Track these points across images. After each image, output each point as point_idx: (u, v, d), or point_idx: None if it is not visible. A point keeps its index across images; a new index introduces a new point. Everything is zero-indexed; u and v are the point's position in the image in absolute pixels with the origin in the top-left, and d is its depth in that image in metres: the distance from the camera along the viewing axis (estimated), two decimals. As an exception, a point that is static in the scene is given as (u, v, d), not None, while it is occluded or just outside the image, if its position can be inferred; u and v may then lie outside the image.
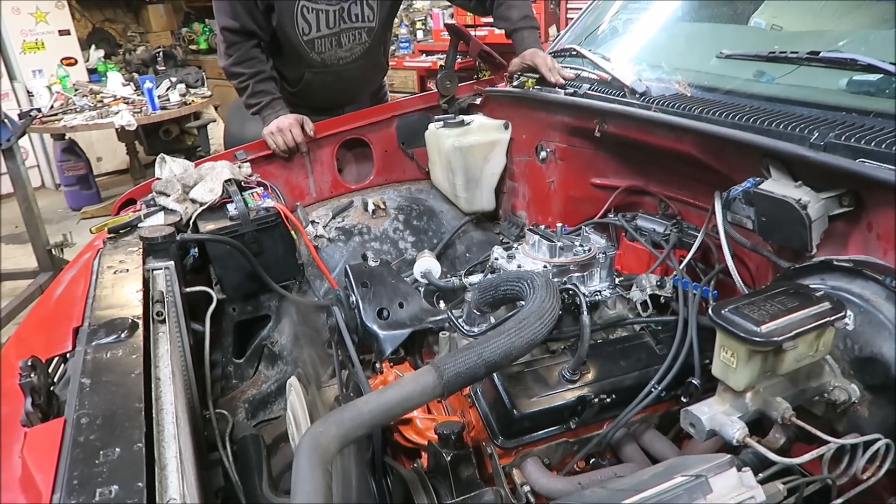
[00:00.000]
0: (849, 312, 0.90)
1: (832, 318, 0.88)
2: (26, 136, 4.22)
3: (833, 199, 1.09)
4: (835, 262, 1.06)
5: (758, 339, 0.84)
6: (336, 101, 2.17)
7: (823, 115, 1.19)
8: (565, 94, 1.80)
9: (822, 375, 0.97)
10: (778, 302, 0.90)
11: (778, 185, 1.14)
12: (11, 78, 6.33)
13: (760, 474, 0.88)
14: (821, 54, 1.26)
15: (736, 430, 0.87)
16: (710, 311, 0.91)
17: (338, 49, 2.32)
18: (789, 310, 0.88)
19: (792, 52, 1.32)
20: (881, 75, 1.19)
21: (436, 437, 1.13)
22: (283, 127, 2.08)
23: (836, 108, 1.19)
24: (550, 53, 2.15)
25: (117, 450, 0.79)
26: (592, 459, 1.24)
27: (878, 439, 0.87)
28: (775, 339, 0.84)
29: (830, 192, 1.09)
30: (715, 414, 0.91)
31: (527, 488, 1.13)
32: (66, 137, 5.80)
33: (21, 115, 3.88)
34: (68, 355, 1.09)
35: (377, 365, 1.49)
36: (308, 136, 2.13)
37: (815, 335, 0.88)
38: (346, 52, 2.35)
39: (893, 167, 0.98)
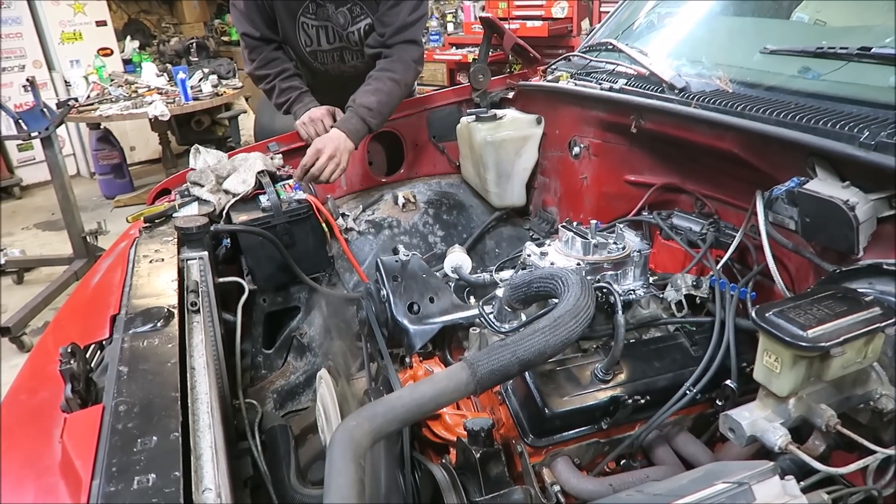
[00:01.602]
0: (899, 319, 0.87)
1: (882, 324, 0.85)
2: (63, 124, 4.30)
3: (882, 200, 1.06)
4: (884, 266, 1.02)
5: (804, 344, 0.82)
6: (344, 104, 2.19)
7: (874, 113, 1.15)
8: (601, 88, 1.77)
9: (869, 383, 0.94)
10: (825, 306, 0.88)
11: (824, 185, 1.11)
12: (50, 68, 6.46)
13: (803, 482, 0.85)
14: (872, 50, 1.21)
15: (778, 437, 0.85)
16: (753, 313, 0.89)
17: (340, 63, 2.32)
18: (837, 315, 0.85)
19: (841, 48, 1.28)
20: (936, 73, 1.15)
21: (465, 433, 1.12)
22: (315, 117, 2.09)
23: (887, 107, 1.15)
24: (585, 49, 2.12)
25: (154, 438, 0.79)
26: (623, 461, 1.22)
27: (928, 451, 0.84)
28: (822, 344, 0.82)
29: (880, 193, 1.05)
30: (756, 419, 0.88)
31: (557, 488, 1.12)
32: (102, 127, 5.90)
33: (59, 105, 3.95)
34: (105, 342, 1.11)
35: (407, 359, 1.49)
36: None
37: (863, 341, 0.86)
38: (350, 68, 2.35)
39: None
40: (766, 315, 0.87)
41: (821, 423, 0.87)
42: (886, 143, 1.05)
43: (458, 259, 1.65)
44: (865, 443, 0.84)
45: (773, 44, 1.50)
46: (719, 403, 1.18)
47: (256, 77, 2.26)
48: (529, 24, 5.23)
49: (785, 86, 1.39)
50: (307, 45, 2.24)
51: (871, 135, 1.07)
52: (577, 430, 1.17)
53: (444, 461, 1.21)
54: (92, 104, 5.28)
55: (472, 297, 1.61)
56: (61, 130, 5.52)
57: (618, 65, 1.84)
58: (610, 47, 1.92)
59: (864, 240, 1.07)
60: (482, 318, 1.37)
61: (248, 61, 2.25)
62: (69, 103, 4.05)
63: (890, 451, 0.83)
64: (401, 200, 2.19)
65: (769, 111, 1.28)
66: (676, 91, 1.54)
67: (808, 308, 0.88)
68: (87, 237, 4.13)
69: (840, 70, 1.33)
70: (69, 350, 0.94)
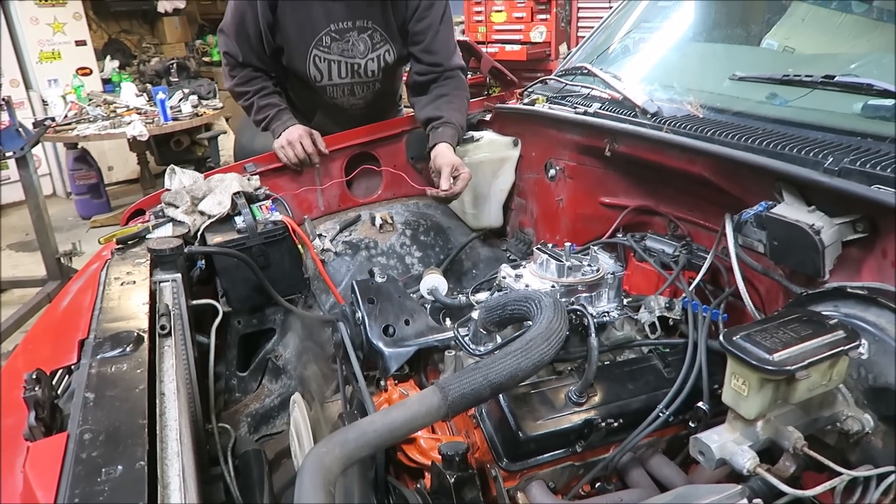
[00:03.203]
0: (863, 341, 0.89)
1: (846, 347, 0.86)
2: (39, 144, 4.26)
3: (847, 224, 1.08)
4: (849, 290, 1.04)
5: (770, 367, 0.83)
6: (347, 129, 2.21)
7: (838, 139, 1.18)
8: (576, 112, 1.80)
9: (835, 405, 0.95)
10: (791, 329, 0.89)
11: (791, 210, 1.13)
12: (27, 87, 6.41)
13: (771, 505, 0.86)
14: (836, 78, 1.25)
15: (747, 460, 0.85)
16: (721, 337, 0.90)
17: (350, 97, 2.33)
18: (802, 338, 0.87)
19: (807, 76, 1.31)
20: (897, 100, 1.18)
21: (439, 457, 1.12)
22: (293, 139, 2.08)
23: (851, 133, 1.19)
24: (561, 72, 2.15)
25: (120, 467, 0.78)
26: (598, 484, 1.22)
27: (893, 472, 0.85)
28: (788, 367, 0.83)
29: (844, 217, 1.08)
30: (725, 442, 0.89)
31: (531, 512, 1.11)
32: (79, 146, 5.85)
33: (35, 124, 3.91)
34: (73, 368, 1.08)
35: (382, 382, 1.48)
36: (318, 148, 2.13)
37: (828, 364, 0.87)
38: (359, 100, 2.36)
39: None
40: (734, 339, 0.88)
41: (788, 446, 0.87)
42: (850, 168, 1.08)
43: (434, 281, 1.65)
44: (831, 464, 0.85)
45: (743, 70, 1.54)
46: (692, 425, 1.18)
47: (236, 94, 2.25)
48: (508, 48, 5.30)
49: (753, 111, 1.43)
50: (318, 80, 2.21)
51: (835, 161, 1.10)
52: (551, 453, 1.16)
53: (418, 486, 1.20)
54: (69, 124, 5.24)
55: (448, 320, 1.61)
56: (37, 150, 5.45)
57: (592, 89, 1.87)
58: (585, 71, 1.96)
59: (830, 263, 1.09)
60: (457, 341, 1.37)
61: (229, 77, 2.24)
62: (46, 123, 4.01)
63: (855, 473, 0.84)
64: (378, 221, 2.19)
65: (738, 136, 1.31)
66: (649, 116, 1.56)
67: (774, 331, 0.89)
68: (62, 258, 4.07)
69: (806, 97, 1.37)
70: (34, 376, 0.92)
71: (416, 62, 2.22)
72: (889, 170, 1.03)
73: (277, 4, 2.05)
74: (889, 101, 1.20)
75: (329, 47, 2.13)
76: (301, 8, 2.05)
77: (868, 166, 1.05)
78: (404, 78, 2.50)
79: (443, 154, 1.99)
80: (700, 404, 1.13)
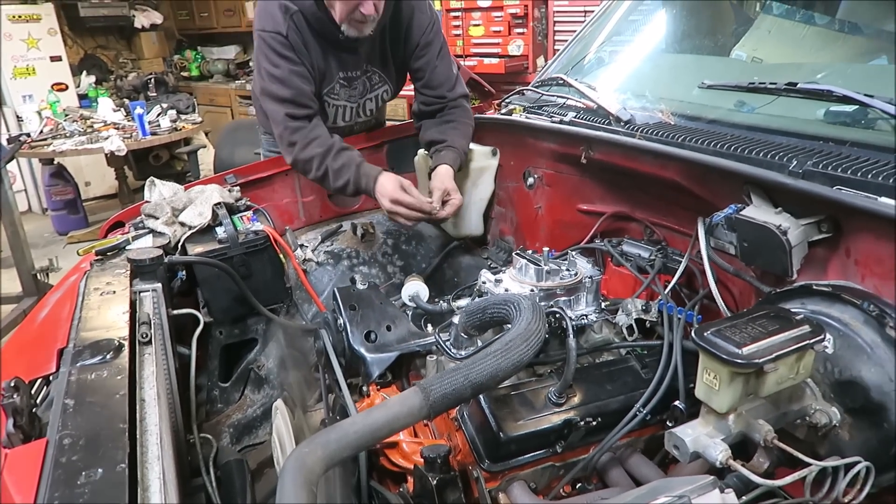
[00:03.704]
0: (828, 336, 0.92)
1: (812, 340, 0.90)
2: (14, 160, 4.21)
3: (812, 225, 1.12)
4: (814, 287, 1.08)
5: (739, 360, 0.86)
6: None
7: (802, 143, 1.22)
8: (552, 121, 1.84)
9: (804, 398, 0.98)
10: (759, 325, 0.92)
11: (759, 212, 1.17)
12: (1, 103, 6.34)
13: (744, 497, 0.89)
14: (798, 86, 1.30)
15: (719, 453, 0.88)
16: (693, 333, 0.93)
17: (349, 134, 2.33)
18: (770, 332, 0.90)
19: (771, 83, 1.36)
20: (856, 106, 1.23)
21: (422, 460, 1.13)
22: (406, 202, 1.90)
23: (814, 138, 1.23)
24: (537, 83, 2.19)
25: (100, 471, 0.78)
26: (579, 484, 1.23)
27: (859, 462, 0.88)
28: (756, 360, 0.85)
29: (809, 218, 1.12)
30: (699, 436, 0.91)
31: (513, 513, 1.12)
32: (55, 162, 5.79)
33: (10, 140, 3.89)
34: (52, 377, 1.08)
35: (364, 388, 1.49)
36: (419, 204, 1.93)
37: (795, 358, 0.90)
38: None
39: (870, 195, 1.01)
40: (705, 334, 0.91)
41: (759, 438, 0.90)
42: (813, 171, 1.12)
43: (415, 288, 1.67)
44: (801, 456, 0.88)
45: (713, 80, 1.59)
46: (669, 424, 1.20)
47: (302, 162, 1.97)
48: (486, 60, 5.36)
49: (722, 118, 1.47)
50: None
51: (798, 164, 1.14)
52: (532, 454, 1.18)
53: (401, 490, 1.21)
54: (45, 139, 5.18)
55: (429, 325, 1.63)
56: (12, 166, 5.40)
57: (568, 98, 1.90)
58: (561, 82, 1.99)
59: (798, 262, 1.13)
60: (439, 345, 1.38)
61: (288, 145, 1.97)
62: (21, 139, 3.98)
63: (823, 464, 0.87)
64: (359, 231, 2.20)
65: (708, 142, 1.35)
66: (622, 123, 1.60)
67: (743, 327, 0.92)
68: (38, 274, 4.02)
69: (772, 104, 1.42)
70: (12, 384, 0.92)
71: (420, 95, 2.24)
72: (850, 172, 1.07)
73: (309, 53, 1.98)
74: (849, 107, 1.24)
75: (338, 94, 2.14)
76: (320, 57, 2.03)
77: (830, 169, 1.09)
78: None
79: (439, 176, 2.01)
80: (676, 403, 1.16)
